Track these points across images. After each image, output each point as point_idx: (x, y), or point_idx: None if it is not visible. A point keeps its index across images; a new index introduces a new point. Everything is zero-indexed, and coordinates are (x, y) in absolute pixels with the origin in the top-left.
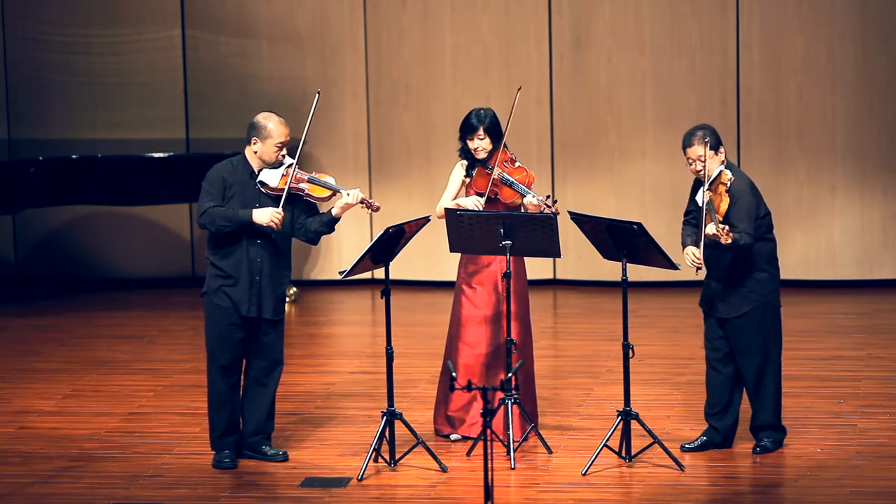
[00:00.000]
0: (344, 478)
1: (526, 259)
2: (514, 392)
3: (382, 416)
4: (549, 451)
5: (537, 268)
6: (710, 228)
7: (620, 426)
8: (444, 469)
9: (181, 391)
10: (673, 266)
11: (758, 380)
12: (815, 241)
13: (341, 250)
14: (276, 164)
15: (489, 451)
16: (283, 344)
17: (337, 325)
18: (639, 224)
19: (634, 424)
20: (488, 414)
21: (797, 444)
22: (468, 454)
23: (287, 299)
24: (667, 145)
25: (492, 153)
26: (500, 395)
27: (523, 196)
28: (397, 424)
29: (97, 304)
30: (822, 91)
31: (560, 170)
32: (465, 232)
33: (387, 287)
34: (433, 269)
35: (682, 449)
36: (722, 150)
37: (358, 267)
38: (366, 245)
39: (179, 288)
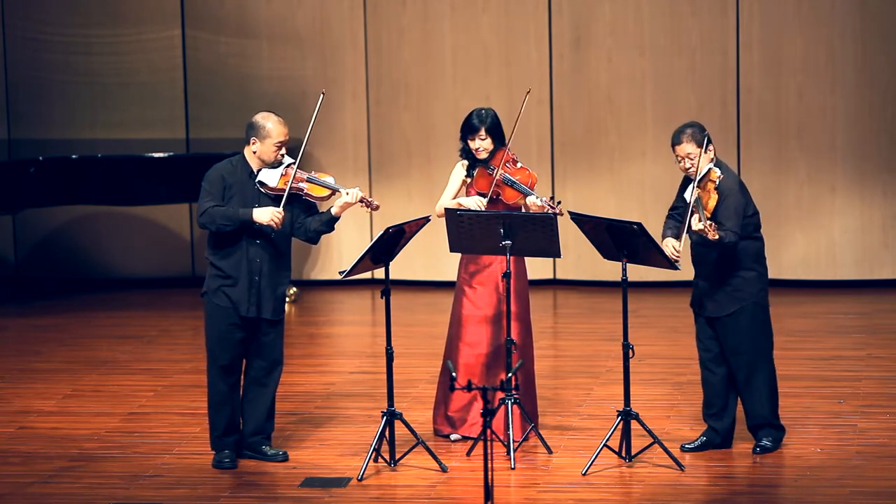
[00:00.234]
0: (344, 478)
1: (526, 259)
2: (514, 392)
3: (382, 416)
4: (549, 451)
5: (537, 268)
6: (697, 224)
7: (620, 426)
8: (444, 469)
9: (181, 391)
10: (673, 266)
11: (749, 378)
12: (815, 241)
13: (341, 250)
14: (276, 164)
15: (489, 451)
16: (283, 344)
17: (337, 325)
18: (639, 224)
19: (634, 424)
20: (488, 414)
21: (797, 444)
22: (468, 454)
23: (287, 299)
24: (667, 145)
25: (493, 153)
26: (500, 395)
27: (526, 197)
28: (397, 424)
29: (97, 304)
30: (822, 91)
31: (560, 170)
32: (465, 232)
33: (387, 287)
34: (433, 269)
35: (682, 449)
36: (711, 147)
37: (358, 267)
38: (366, 245)
39: (179, 288)
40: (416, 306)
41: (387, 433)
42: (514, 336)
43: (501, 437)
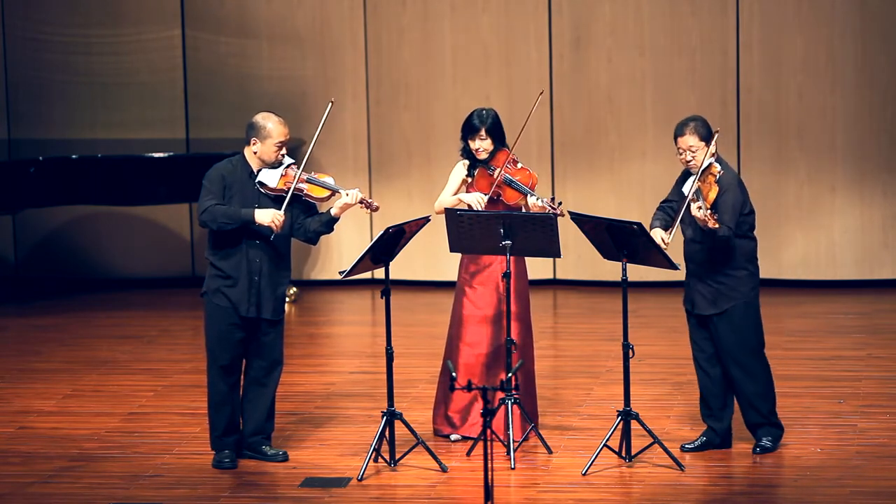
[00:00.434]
0: (344, 478)
1: (526, 259)
2: (514, 392)
3: (382, 416)
4: (549, 451)
5: (537, 268)
6: (697, 211)
7: (620, 426)
8: (444, 469)
9: (181, 391)
10: (673, 266)
11: (743, 377)
12: (815, 241)
13: (341, 250)
14: (276, 164)
15: (489, 451)
16: (283, 344)
17: (337, 325)
18: (639, 224)
19: (634, 424)
20: (488, 414)
21: (797, 444)
22: (468, 454)
23: (287, 299)
24: (667, 145)
25: (493, 154)
26: (500, 395)
27: (527, 197)
28: (397, 424)
29: (97, 304)
30: (822, 91)
31: (560, 170)
32: (465, 232)
33: (387, 287)
34: (433, 269)
35: (682, 449)
36: (713, 142)
37: (358, 267)
38: (366, 245)
39: (179, 288)
40: (416, 306)
41: (387, 433)
42: (514, 336)
43: (501, 437)
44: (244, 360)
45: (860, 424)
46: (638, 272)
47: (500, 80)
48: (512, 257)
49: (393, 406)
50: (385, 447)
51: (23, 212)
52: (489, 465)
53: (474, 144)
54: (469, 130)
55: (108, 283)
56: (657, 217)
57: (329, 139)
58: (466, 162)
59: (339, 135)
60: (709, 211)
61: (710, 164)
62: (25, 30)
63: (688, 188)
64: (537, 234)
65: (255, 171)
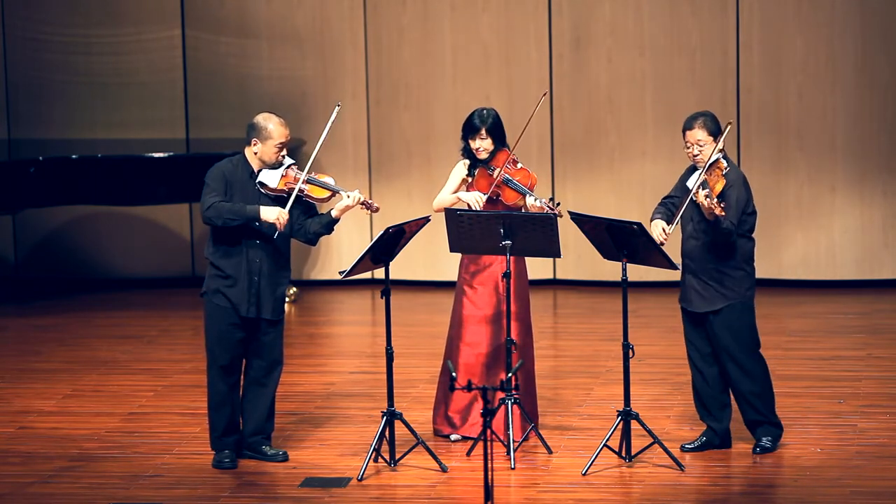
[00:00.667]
0: (344, 478)
1: (526, 259)
2: (514, 392)
3: (382, 416)
4: (549, 451)
5: (537, 268)
6: (704, 199)
7: (620, 426)
8: (444, 469)
9: (181, 391)
10: (673, 266)
11: (739, 376)
12: (815, 241)
13: (341, 250)
14: (276, 165)
15: (489, 451)
16: (283, 344)
17: (337, 325)
18: (639, 224)
19: (634, 424)
20: (488, 414)
21: (797, 444)
22: (468, 454)
23: (287, 299)
24: (667, 145)
25: (493, 153)
26: (500, 395)
27: (525, 197)
28: (397, 424)
29: (97, 304)
30: (822, 91)
31: (560, 170)
32: (465, 232)
33: (387, 287)
34: (433, 269)
35: (682, 449)
36: (721, 138)
37: (358, 267)
38: (366, 245)
39: (179, 288)
40: (416, 306)
41: (387, 433)
42: (514, 336)
43: (501, 437)
44: (244, 361)
45: (860, 424)
46: (638, 272)
47: (500, 80)
48: (512, 257)
49: (393, 406)
50: (385, 447)
51: (23, 212)
52: (489, 465)
53: (475, 144)
54: (470, 130)
55: (108, 283)
56: (658, 211)
57: (329, 139)
58: (467, 161)
59: (339, 135)
60: (715, 200)
61: (717, 160)
62: (25, 30)
63: (692, 182)
64: (537, 235)
65: (255, 171)
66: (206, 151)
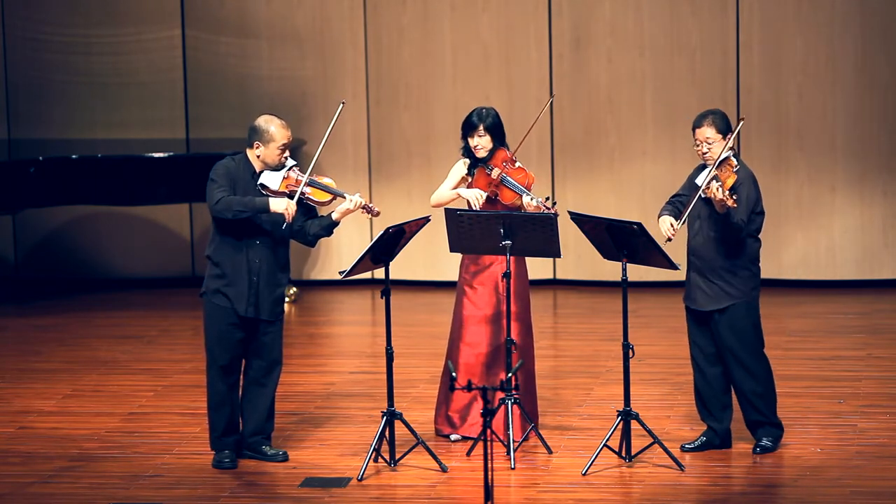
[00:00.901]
0: (344, 478)
1: (526, 259)
2: (514, 392)
3: (382, 416)
4: (549, 451)
5: (537, 268)
6: (717, 192)
7: (620, 426)
8: (444, 469)
9: (181, 391)
10: (673, 266)
11: (743, 376)
12: (815, 241)
13: (341, 250)
14: (278, 166)
15: (489, 451)
16: (283, 344)
17: (337, 325)
18: (639, 224)
19: (634, 424)
20: (488, 414)
21: (797, 444)
22: (468, 454)
23: (287, 299)
24: (667, 145)
25: (492, 152)
26: (500, 394)
27: (522, 197)
28: (397, 424)
29: (97, 304)
30: (822, 91)
31: (560, 170)
32: (465, 232)
33: (387, 287)
34: (433, 269)
35: (682, 449)
36: (732, 136)
37: (358, 267)
38: (366, 245)
39: (179, 288)
40: (416, 306)
41: (387, 433)
42: (514, 336)
43: (501, 437)
44: (243, 361)
45: (860, 424)
46: (638, 272)
47: (500, 80)
48: (512, 257)
49: (393, 406)
50: (385, 447)
51: (23, 212)
52: (489, 465)
53: (473, 142)
54: (468, 127)
55: (108, 283)
56: (666, 208)
57: (329, 139)
58: (467, 161)
59: (339, 135)
60: (727, 192)
61: (728, 157)
62: (25, 30)
63: (702, 179)
64: (537, 234)
65: (256, 172)
66: (206, 151)
